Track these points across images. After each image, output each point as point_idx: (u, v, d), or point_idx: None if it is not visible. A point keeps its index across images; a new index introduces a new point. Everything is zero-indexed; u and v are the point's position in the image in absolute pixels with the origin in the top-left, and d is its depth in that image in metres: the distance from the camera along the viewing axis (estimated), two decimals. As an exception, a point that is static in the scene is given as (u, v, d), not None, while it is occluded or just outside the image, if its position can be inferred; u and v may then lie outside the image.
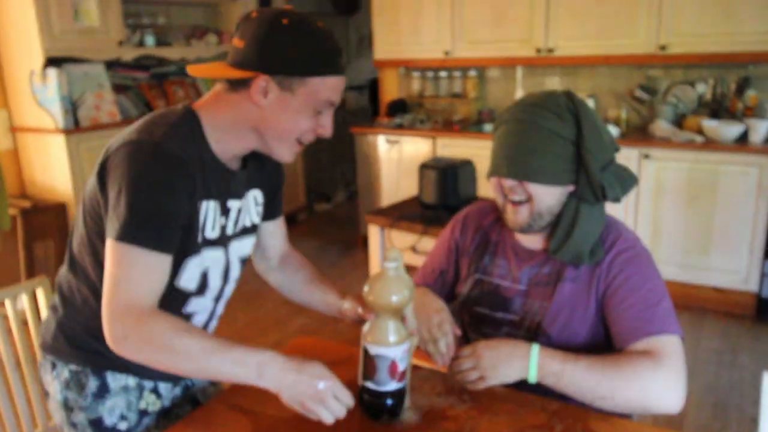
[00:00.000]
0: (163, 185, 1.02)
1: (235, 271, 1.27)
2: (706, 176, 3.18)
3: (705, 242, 3.25)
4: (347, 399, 1.01)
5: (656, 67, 3.70)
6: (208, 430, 1.12)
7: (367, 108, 6.70)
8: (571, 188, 1.21)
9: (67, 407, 1.19)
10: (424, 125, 4.14)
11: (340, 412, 1.00)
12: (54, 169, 3.47)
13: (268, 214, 1.34)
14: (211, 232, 1.15)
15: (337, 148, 6.10)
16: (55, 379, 1.20)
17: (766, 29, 3.10)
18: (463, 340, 1.40)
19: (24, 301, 1.53)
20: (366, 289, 1.08)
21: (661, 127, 3.46)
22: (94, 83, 3.59)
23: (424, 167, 2.51)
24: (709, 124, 3.30)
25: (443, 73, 4.44)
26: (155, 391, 1.25)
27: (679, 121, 3.58)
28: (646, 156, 3.30)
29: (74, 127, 3.44)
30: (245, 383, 1.00)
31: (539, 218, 1.21)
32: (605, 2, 3.49)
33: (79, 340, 1.17)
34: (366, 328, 1.11)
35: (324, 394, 0.98)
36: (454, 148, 3.90)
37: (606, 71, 3.90)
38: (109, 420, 1.19)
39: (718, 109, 3.51)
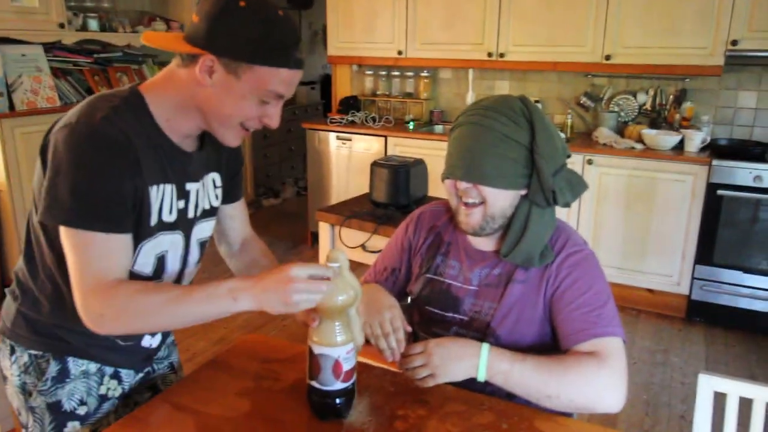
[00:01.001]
0: (102, 168, 0.99)
1: (195, 255, 1.25)
2: (645, 183, 3.32)
3: (642, 246, 3.39)
4: (316, 286, 0.99)
5: (601, 75, 3.83)
6: (147, 430, 1.09)
7: (318, 103, 6.66)
8: (523, 192, 1.23)
9: (25, 391, 1.18)
10: (376, 124, 4.14)
11: (316, 294, 0.99)
12: (-15, 154, 3.28)
13: (228, 196, 1.32)
14: (168, 216, 1.13)
15: (287, 142, 6.03)
16: (13, 364, 1.18)
17: (702, 45, 3.25)
18: (413, 339, 1.41)
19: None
20: None
21: (604, 134, 3.58)
22: (32, 66, 3.42)
23: (376, 165, 2.51)
24: (649, 133, 3.44)
25: (396, 72, 4.46)
26: (116, 376, 1.24)
27: (620, 129, 3.72)
28: (590, 161, 3.41)
29: (9, 111, 3.26)
30: (224, 314, 1.01)
31: (492, 221, 1.23)
32: (555, 11, 3.58)
33: (41, 327, 1.16)
34: (312, 327, 1.10)
35: (294, 289, 0.97)
36: (406, 147, 3.93)
37: (554, 77, 4.02)
38: (68, 404, 1.17)
39: (657, 118, 3.67)
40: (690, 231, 3.26)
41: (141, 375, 1.31)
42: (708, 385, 1.30)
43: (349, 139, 4.14)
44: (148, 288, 1.02)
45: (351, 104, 4.43)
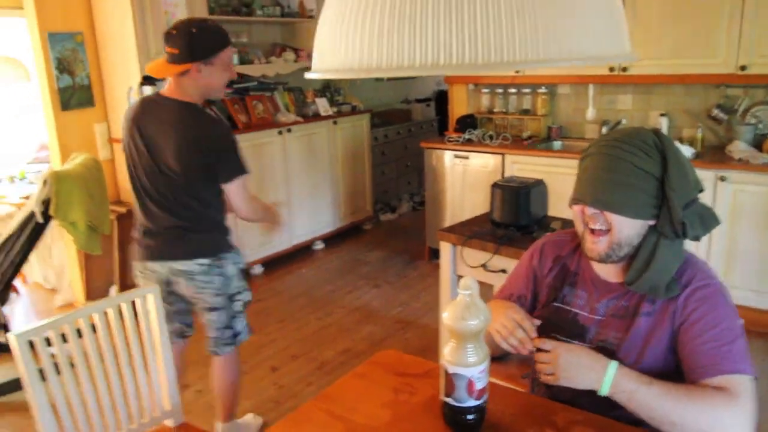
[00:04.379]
0: (235, 140, 2.11)
1: None
2: (787, 200, 3.10)
3: (784, 268, 3.16)
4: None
5: (735, 86, 3.63)
6: (305, 431, 1.25)
7: (433, 119, 6.81)
8: (651, 222, 1.26)
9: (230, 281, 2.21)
10: (493, 141, 4.20)
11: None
12: (146, 177, 3.75)
13: None
14: None
15: (403, 159, 6.23)
16: (225, 268, 2.17)
17: None
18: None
19: (148, 301, 1.71)
20: (444, 314, 1.18)
21: (739, 148, 3.39)
22: (184, 99, 3.86)
23: (496, 186, 2.57)
24: (791, 147, 3.21)
25: (513, 90, 4.49)
26: (239, 262, 2.24)
27: (758, 143, 3.49)
28: (722, 178, 3.25)
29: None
30: None
31: (618, 249, 1.26)
32: (682, 21, 3.45)
33: (227, 238, 2.23)
34: (446, 349, 1.21)
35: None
36: (523, 165, 3.94)
37: (681, 90, 3.85)
38: (230, 272, 2.20)
39: (801, 130, 3.41)
40: (841, 253, 2.99)
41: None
42: None
43: (467, 157, 4.23)
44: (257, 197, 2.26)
45: (468, 122, 4.52)
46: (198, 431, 1.80)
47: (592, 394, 1.31)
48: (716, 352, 1.17)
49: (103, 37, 3.72)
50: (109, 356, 1.61)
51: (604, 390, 1.18)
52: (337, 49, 0.70)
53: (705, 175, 3.25)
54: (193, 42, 1.93)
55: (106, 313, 1.63)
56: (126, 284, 3.63)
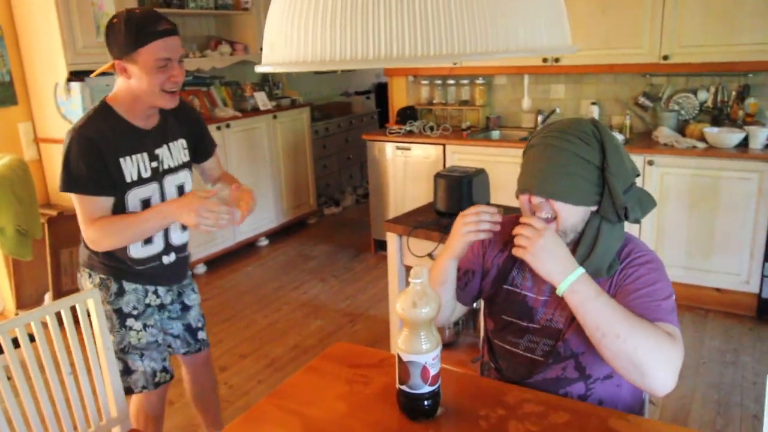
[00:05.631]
0: (81, 155, 1.62)
1: (171, 196, 1.82)
2: (708, 182, 3.30)
3: (707, 245, 3.37)
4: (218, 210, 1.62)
5: (659, 75, 3.82)
6: (262, 429, 1.24)
7: (374, 112, 6.83)
8: (594, 208, 1.32)
9: (100, 301, 1.73)
10: (433, 132, 4.25)
11: (217, 218, 1.63)
12: (77, 178, 3.59)
13: (201, 155, 1.98)
14: (144, 173, 1.75)
15: (345, 152, 6.23)
16: (90, 284, 1.82)
17: (763, 40, 3.21)
18: (487, 346, 1.52)
19: (87, 306, 1.65)
20: (397, 304, 1.20)
21: (664, 133, 3.57)
22: (115, 95, 3.71)
23: (439, 176, 2.62)
24: (711, 131, 3.42)
25: (451, 81, 4.56)
26: (155, 292, 1.89)
27: (681, 128, 3.69)
28: (651, 162, 3.42)
29: (97, 137, 3.55)
30: (163, 226, 1.75)
31: (563, 236, 1.32)
32: (609, 14, 3.60)
33: (102, 260, 1.80)
34: (400, 338, 1.23)
35: (199, 210, 1.60)
36: (464, 155, 4.02)
37: (610, 79, 4.02)
38: (125, 309, 1.82)
39: (719, 116, 3.63)
40: (758, 229, 3.22)
41: (170, 292, 1.95)
42: (777, 385, 1.34)
43: (408, 149, 4.27)
44: (117, 217, 1.69)
45: (408, 114, 4.56)
46: (147, 437, 1.76)
47: (539, 374, 1.36)
48: (650, 304, 1.23)
49: (24, 31, 3.52)
50: (49, 365, 1.55)
51: (564, 286, 1.21)
52: (288, 41, 0.70)
53: (634, 160, 3.40)
54: (110, 34, 1.62)
55: (44, 322, 1.56)
56: (60, 291, 3.47)
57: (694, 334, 3.19)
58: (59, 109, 3.52)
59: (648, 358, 1.14)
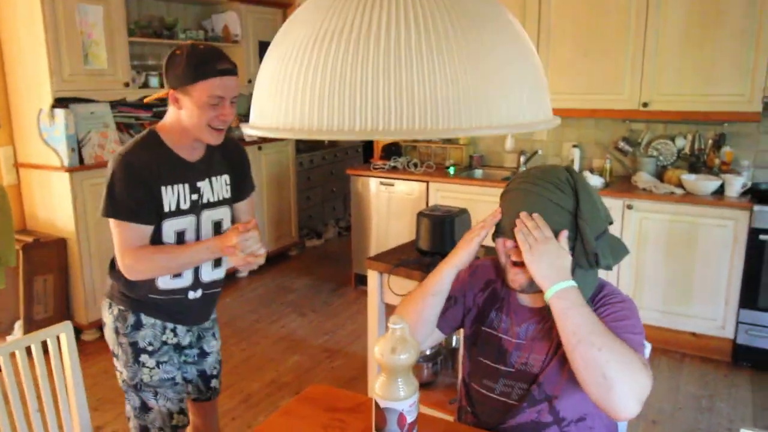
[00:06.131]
0: (125, 183, 1.61)
1: (207, 232, 1.80)
2: (686, 228, 3.36)
3: (685, 290, 3.41)
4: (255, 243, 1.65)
5: (638, 121, 3.92)
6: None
7: (358, 145, 6.87)
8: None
9: (116, 332, 1.76)
10: (417, 169, 4.29)
11: (252, 247, 1.65)
12: (56, 205, 3.55)
13: (240, 194, 1.90)
14: (183, 205, 1.71)
15: (329, 184, 6.24)
16: (110, 314, 1.77)
17: (738, 92, 3.32)
18: (464, 390, 1.51)
19: (53, 344, 1.61)
20: (376, 348, 1.19)
21: (643, 178, 3.64)
22: (100, 123, 3.70)
23: (421, 215, 2.63)
24: (688, 178, 3.49)
25: (436, 119, 4.61)
26: (174, 330, 1.81)
27: (659, 174, 3.77)
28: (630, 206, 3.48)
29: (79, 164, 3.53)
30: (205, 261, 1.75)
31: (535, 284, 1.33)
32: (592, 60, 3.70)
33: (122, 291, 1.74)
34: (377, 384, 1.21)
35: (237, 246, 1.62)
36: (447, 192, 4.05)
37: (591, 123, 4.11)
38: (141, 343, 1.75)
39: (696, 162, 3.72)
40: (733, 276, 3.27)
41: (189, 333, 1.87)
42: (751, 439, 1.35)
43: (392, 184, 4.30)
44: (158, 248, 1.66)
45: (393, 150, 4.60)
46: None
47: (514, 418, 1.35)
48: (622, 335, 1.22)
49: (10, 55, 3.51)
50: (15, 399, 1.50)
51: (551, 292, 1.23)
52: (277, 108, 0.71)
53: (613, 204, 3.47)
54: (171, 64, 1.62)
55: (12, 354, 1.52)
56: (32, 319, 3.39)
57: (670, 378, 3.20)
58: (42, 135, 3.49)
59: (619, 374, 1.14)
